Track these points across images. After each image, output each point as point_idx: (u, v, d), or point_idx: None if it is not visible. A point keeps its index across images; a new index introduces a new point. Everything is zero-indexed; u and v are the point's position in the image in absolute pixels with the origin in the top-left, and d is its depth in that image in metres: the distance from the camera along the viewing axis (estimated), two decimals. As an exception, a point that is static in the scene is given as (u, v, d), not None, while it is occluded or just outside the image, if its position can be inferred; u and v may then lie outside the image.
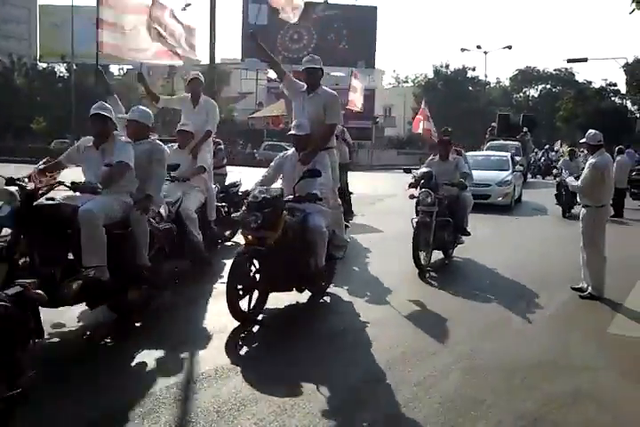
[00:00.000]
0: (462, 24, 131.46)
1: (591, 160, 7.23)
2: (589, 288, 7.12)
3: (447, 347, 5.20)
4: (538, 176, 31.16)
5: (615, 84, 57.34)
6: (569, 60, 38.20)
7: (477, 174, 15.15)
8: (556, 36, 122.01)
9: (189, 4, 39.58)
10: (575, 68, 65.81)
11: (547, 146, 35.51)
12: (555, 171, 15.96)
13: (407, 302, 6.59)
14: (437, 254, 8.70)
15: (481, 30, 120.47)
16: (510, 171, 17.02)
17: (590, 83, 62.58)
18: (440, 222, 8.13)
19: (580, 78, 67.00)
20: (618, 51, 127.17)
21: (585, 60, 36.22)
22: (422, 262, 7.96)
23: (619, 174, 15.04)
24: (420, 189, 8.21)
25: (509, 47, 44.40)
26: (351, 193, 12.18)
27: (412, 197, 8.41)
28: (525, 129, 28.78)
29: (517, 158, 20.83)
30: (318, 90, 6.68)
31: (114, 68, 56.16)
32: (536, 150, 34.87)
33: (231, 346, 5.14)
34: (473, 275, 8.36)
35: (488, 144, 25.96)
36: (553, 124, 54.93)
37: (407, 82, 73.29)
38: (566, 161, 15.13)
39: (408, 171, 9.31)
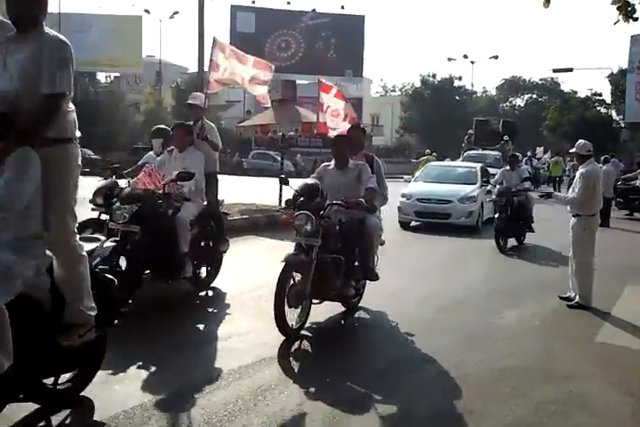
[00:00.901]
0: (449, 34, 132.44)
1: (582, 170, 7.26)
2: (577, 297, 7.16)
3: (436, 357, 5.19)
4: None
5: (600, 94, 57.82)
6: (555, 70, 38.63)
7: (436, 189, 14.01)
8: (542, 46, 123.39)
9: (177, 13, 39.84)
10: (561, 78, 66.44)
11: (529, 153, 33.49)
12: (490, 187, 13.10)
13: (392, 314, 6.59)
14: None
15: (467, 40, 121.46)
16: (478, 185, 14.31)
17: (576, 92, 63.06)
18: (325, 262, 5.48)
19: (565, 88, 67.66)
20: (603, 61, 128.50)
21: (570, 69, 36.64)
22: (289, 324, 5.33)
23: (605, 184, 15.15)
24: (298, 210, 5.57)
25: (496, 57, 44.82)
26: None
27: (287, 222, 6.07)
28: (506, 137, 26.66)
29: (493, 171, 18.67)
30: None
31: (100, 76, 56.14)
32: None
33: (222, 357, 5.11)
34: (457, 287, 8.36)
35: (465, 154, 23.68)
36: (539, 133, 55.26)
37: (395, 91, 73.67)
38: (507, 171, 12.06)
39: (285, 182, 6.91)
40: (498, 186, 11.84)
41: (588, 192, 7.14)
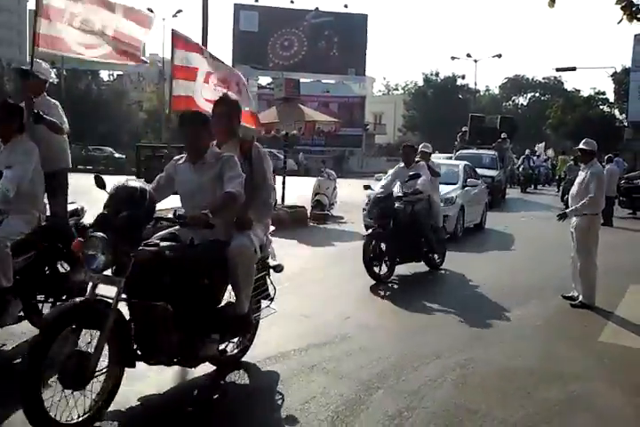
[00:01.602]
0: (452, 32, 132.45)
1: (591, 170, 7.21)
2: (580, 297, 7.15)
3: (440, 357, 5.18)
4: (516, 187, 27.18)
5: (604, 93, 57.80)
6: (558, 69, 38.53)
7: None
8: (545, 44, 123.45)
9: (180, 11, 39.84)
10: (564, 77, 66.37)
11: (527, 151, 30.24)
12: (371, 192, 9.05)
13: (395, 313, 6.59)
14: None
15: (471, 39, 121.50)
16: (459, 185, 12.85)
17: (579, 91, 63.05)
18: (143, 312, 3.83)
19: (568, 87, 67.55)
20: (606, 60, 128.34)
21: (574, 69, 36.58)
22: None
23: (609, 183, 15.15)
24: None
25: (499, 56, 44.69)
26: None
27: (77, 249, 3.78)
28: (504, 135, 23.89)
29: (489, 172, 18.07)
30: None
31: (104, 74, 56.22)
32: (517, 161, 29.53)
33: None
34: (462, 286, 8.34)
35: (457, 153, 20.99)
36: (542, 132, 55.24)
37: (397, 89, 73.65)
38: (401, 168, 8.82)
39: (100, 184, 4.43)
40: (380, 189, 8.60)
41: (602, 190, 7.14)
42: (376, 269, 7.90)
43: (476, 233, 13.47)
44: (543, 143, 37.71)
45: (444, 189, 11.23)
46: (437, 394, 4.40)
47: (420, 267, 8.82)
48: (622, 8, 5.49)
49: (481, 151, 21.86)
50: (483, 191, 14.50)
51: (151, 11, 41.62)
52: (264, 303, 4.87)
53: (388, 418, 3.96)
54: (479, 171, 16.04)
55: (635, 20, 5.48)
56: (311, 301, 6.91)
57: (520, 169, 27.71)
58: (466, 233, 12.61)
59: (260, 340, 4.95)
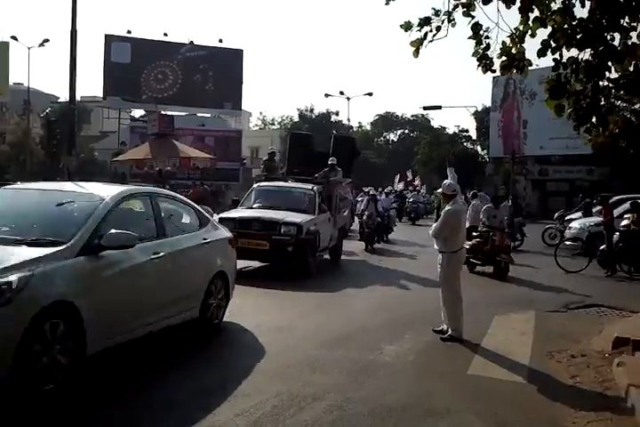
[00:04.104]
0: (326, 70, 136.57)
1: (447, 208, 7.68)
2: (449, 330, 7.44)
3: (318, 398, 5.16)
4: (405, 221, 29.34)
5: (467, 131, 61.68)
6: (425, 108, 40.43)
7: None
8: (413, 84, 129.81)
9: (47, 40, 38.32)
10: (431, 115, 70.20)
11: (370, 189, 21.84)
12: None
13: (276, 354, 6.53)
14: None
15: (344, 77, 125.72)
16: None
17: (444, 128, 66.88)
18: None
19: (435, 124, 71.55)
20: (469, 99, 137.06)
21: (439, 107, 38.53)
22: None
23: (474, 217, 16.07)
24: None
25: (370, 94, 46.37)
26: None
27: None
28: (332, 160, 14.85)
29: (300, 218, 12.00)
30: None
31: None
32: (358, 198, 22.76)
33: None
34: (339, 321, 8.41)
35: (255, 187, 14.10)
36: (412, 168, 57.75)
37: (274, 124, 74.67)
38: None
39: None
40: None
41: (445, 229, 7.54)
42: None
43: (350, 266, 14.01)
44: (418, 177, 39.13)
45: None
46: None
47: (298, 304, 8.83)
48: (478, 60, 5.89)
49: (294, 185, 14.22)
50: (345, 217, 15.41)
51: (16, 39, 39.61)
52: None
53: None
54: (281, 214, 12.01)
55: (489, 72, 5.89)
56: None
57: (364, 216, 18.37)
58: (341, 266, 13.07)
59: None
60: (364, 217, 18.16)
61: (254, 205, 12.88)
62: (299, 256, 11.47)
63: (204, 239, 7.10)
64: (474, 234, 13.55)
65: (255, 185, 14.14)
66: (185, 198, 7.45)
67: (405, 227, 27.34)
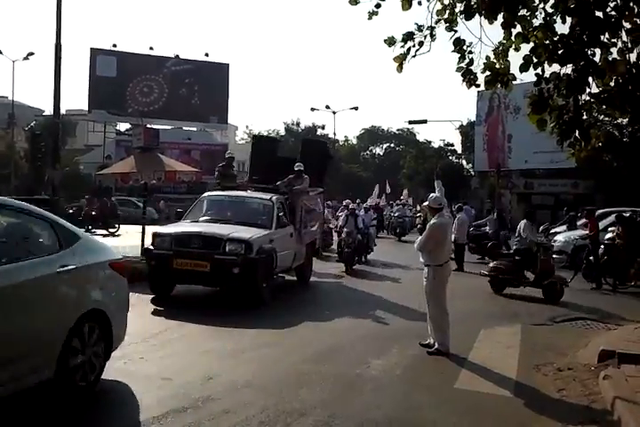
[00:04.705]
0: (312, 84, 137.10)
1: (432, 221, 7.69)
2: (436, 344, 7.43)
3: (304, 414, 5.12)
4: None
5: (452, 145, 62.08)
6: (410, 122, 40.77)
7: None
8: (399, 98, 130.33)
9: (32, 54, 38.24)
10: (416, 129, 70.68)
11: (347, 202, 18.81)
12: None
13: (261, 369, 6.48)
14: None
15: (329, 91, 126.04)
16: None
17: (430, 142, 67.29)
18: None
19: (420, 138, 71.99)
20: (454, 113, 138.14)
21: (425, 121, 38.84)
22: None
23: (459, 231, 16.14)
24: None
25: (356, 108, 46.56)
26: None
27: None
28: (299, 166, 13.00)
29: (244, 234, 10.02)
30: None
31: None
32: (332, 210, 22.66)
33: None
34: (326, 335, 8.37)
35: (203, 197, 12.29)
36: (397, 181, 57.93)
37: (260, 138, 74.65)
38: None
39: None
40: None
41: (429, 242, 7.56)
42: None
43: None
44: (406, 190, 38.65)
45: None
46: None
47: (284, 320, 8.79)
48: (462, 75, 5.95)
49: (249, 195, 12.29)
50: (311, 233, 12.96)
51: (0, 52, 39.44)
52: None
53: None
54: (228, 229, 10.15)
55: (473, 87, 5.95)
56: (172, 360, 6.64)
57: (344, 233, 16.24)
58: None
59: (117, 409, 4.65)
60: (343, 234, 16.22)
61: (201, 219, 11.06)
62: (247, 280, 9.54)
63: (63, 266, 5.02)
64: (504, 252, 13.10)
65: (205, 194, 12.35)
66: (42, 211, 5.35)
67: (389, 244, 25.24)
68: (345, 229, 16.24)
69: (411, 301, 10.20)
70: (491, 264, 12.82)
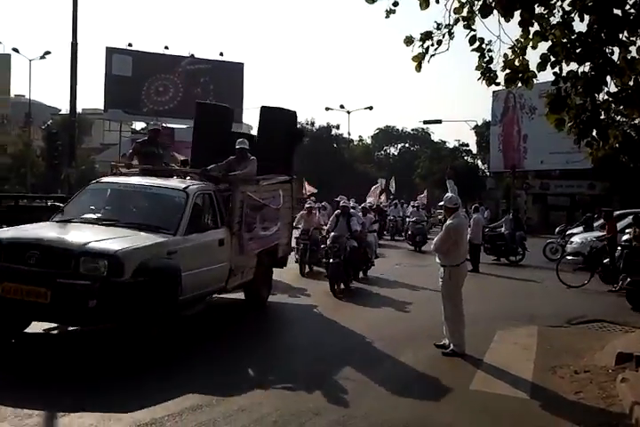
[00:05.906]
0: (327, 84, 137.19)
1: (448, 222, 7.63)
2: (451, 345, 7.38)
3: (319, 414, 5.10)
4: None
5: (467, 145, 61.78)
6: (425, 122, 40.73)
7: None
8: (414, 98, 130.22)
9: (49, 53, 38.58)
10: (431, 129, 70.35)
11: (338, 198, 15.81)
12: None
13: (274, 369, 6.47)
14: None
15: (344, 91, 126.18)
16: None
17: (445, 142, 66.99)
18: None
19: (435, 138, 71.65)
20: (469, 113, 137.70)
21: (439, 121, 38.82)
22: None
23: (475, 231, 16.05)
24: None
25: (370, 108, 46.62)
26: None
27: None
28: (241, 143, 9.25)
29: (120, 244, 6.37)
30: None
31: None
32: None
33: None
34: (341, 336, 8.33)
35: (88, 187, 8.55)
36: (411, 181, 57.74)
37: (274, 137, 74.64)
38: None
39: None
40: None
41: (446, 243, 7.50)
42: None
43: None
44: (426, 191, 35.97)
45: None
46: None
47: (298, 319, 8.76)
48: (481, 73, 5.91)
49: (154, 183, 8.25)
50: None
51: (17, 51, 39.98)
52: None
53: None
54: (89, 235, 6.61)
55: (493, 85, 5.91)
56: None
57: (329, 239, 12.11)
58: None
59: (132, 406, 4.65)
60: (328, 240, 11.98)
61: (74, 218, 7.54)
62: (114, 318, 6.17)
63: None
64: None
65: (92, 183, 8.61)
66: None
67: (405, 255, 20.61)
68: (331, 234, 12.10)
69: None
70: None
